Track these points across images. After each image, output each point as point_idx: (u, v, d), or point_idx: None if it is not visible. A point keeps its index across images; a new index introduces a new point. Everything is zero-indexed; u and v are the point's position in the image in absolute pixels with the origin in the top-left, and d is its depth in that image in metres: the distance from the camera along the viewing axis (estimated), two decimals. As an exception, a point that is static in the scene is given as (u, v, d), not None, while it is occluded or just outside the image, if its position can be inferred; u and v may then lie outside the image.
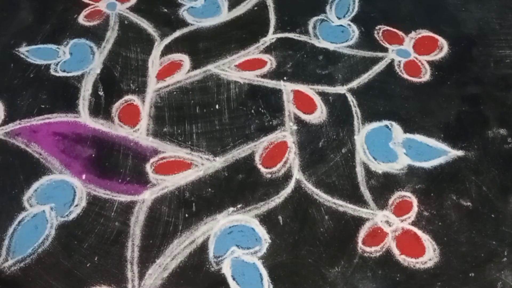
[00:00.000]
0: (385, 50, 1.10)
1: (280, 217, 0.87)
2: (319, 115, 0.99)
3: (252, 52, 1.08)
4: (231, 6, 1.17)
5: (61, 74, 1.04)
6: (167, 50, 1.08)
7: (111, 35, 1.10)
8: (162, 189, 0.89)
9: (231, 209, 0.88)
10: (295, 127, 0.98)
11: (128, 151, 0.94)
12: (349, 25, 1.14)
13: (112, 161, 0.92)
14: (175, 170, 0.92)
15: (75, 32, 1.10)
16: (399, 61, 1.08)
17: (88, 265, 0.81)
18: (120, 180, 0.90)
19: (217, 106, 1.00)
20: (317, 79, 1.05)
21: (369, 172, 0.92)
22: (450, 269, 0.82)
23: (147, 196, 0.89)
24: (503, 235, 0.85)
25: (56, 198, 0.88)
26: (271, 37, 1.11)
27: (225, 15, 1.15)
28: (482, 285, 0.81)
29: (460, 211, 0.88)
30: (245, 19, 1.15)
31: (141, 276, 0.81)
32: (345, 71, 1.06)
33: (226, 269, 0.81)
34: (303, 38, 1.11)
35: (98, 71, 1.05)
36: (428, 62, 1.08)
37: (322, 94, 1.02)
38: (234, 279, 0.81)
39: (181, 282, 0.80)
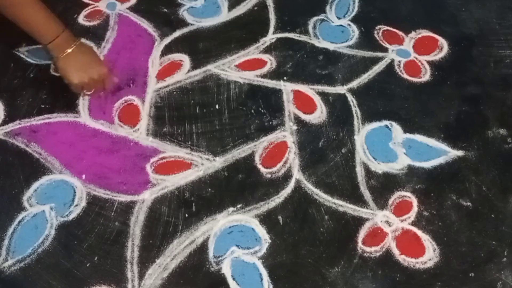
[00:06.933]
0: (385, 50, 1.10)
1: (280, 217, 0.87)
2: (319, 115, 0.99)
3: (252, 52, 1.08)
4: (231, 6, 1.17)
5: (61, 74, 1.04)
6: (167, 50, 1.08)
7: (111, 35, 1.10)
8: (162, 189, 0.89)
9: (231, 209, 0.88)
10: (295, 127, 0.98)
11: (128, 151, 0.94)
12: (349, 25, 1.14)
13: (112, 161, 0.92)
14: (175, 170, 0.92)
15: (75, 32, 1.09)
16: (399, 61, 1.08)
17: (88, 265, 0.81)
18: (120, 180, 0.90)
19: (217, 106, 1.00)
20: (317, 79, 1.05)
21: (369, 172, 0.92)
22: (450, 269, 0.82)
23: (147, 196, 0.88)
24: (503, 235, 0.85)
25: (56, 198, 0.88)
26: (271, 37, 1.11)
27: (225, 15, 1.15)
28: (482, 285, 0.81)
29: (460, 211, 0.88)
30: (245, 19, 1.15)
31: (141, 276, 0.81)
32: (345, 71, 1.06)
33: (226, 269, 0.81)
34: (303, 38, 1.11)
35: (98, 71, 1.04)
36: (428, 62, 1.08)
37: (322, 94, 1.02)
38: (234, 279, 0.81)
39: (181, 282, 0.80)
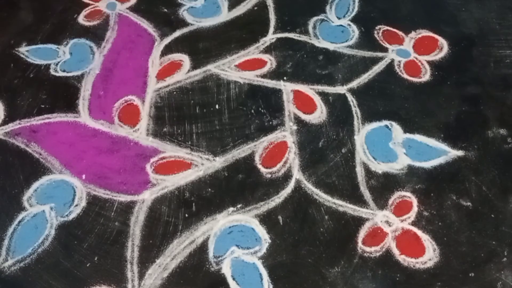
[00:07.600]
0: (385, 50, 1.10)
1: (280, 217, 0.87)
2: (319, 115, 0.99)
3: (252, 52, 1.08)
4: (231, 6, 1.17)
5: (61, 74, 1.04)
6: (167, 50, 1.08)
7: (111, 35, 1.10)
8: (162, 189, 0.89)
9: (231, 209, 0.88)
10: (295, 127, 0.98)
11: (128, 151, 0.94)
12: (349, 25, 1.14)
13: (112, 161, 0.92)
14: (175, 170, 0.92)
15: (75, 32, 1.10)
16: (399, 61, 1.08)
17: (88, 265, 0.81)
18: (120, 180, 0.90)
19: (217, 106, 1.00)
20: (317, 79, 1.05)
21: (369, 172, 0.92)
22: (450, 269, 0.82)
23: (147, 196, 0.88)
24: (503, 235, 0.85)
25: (56, 198, 0.88)
26: (271, 37, 1.11)
27: (225, 15, 1.15)
28: (482, 285, 0.81)
29: (460, 211, 0.88)
30: (245, 19, 1.15)
31: (141, 276, 0.81)
32: (345, 71, 1.06)
33: (226, 269, 0.81)
34: (303, 38, 1.11)
35: (98, 71, 1.05)
36: (428, 62, 1.08)
37: (322, 94, 1.02)
38: (234, 279, 0.81)
39: (181, 282, 0.80)
